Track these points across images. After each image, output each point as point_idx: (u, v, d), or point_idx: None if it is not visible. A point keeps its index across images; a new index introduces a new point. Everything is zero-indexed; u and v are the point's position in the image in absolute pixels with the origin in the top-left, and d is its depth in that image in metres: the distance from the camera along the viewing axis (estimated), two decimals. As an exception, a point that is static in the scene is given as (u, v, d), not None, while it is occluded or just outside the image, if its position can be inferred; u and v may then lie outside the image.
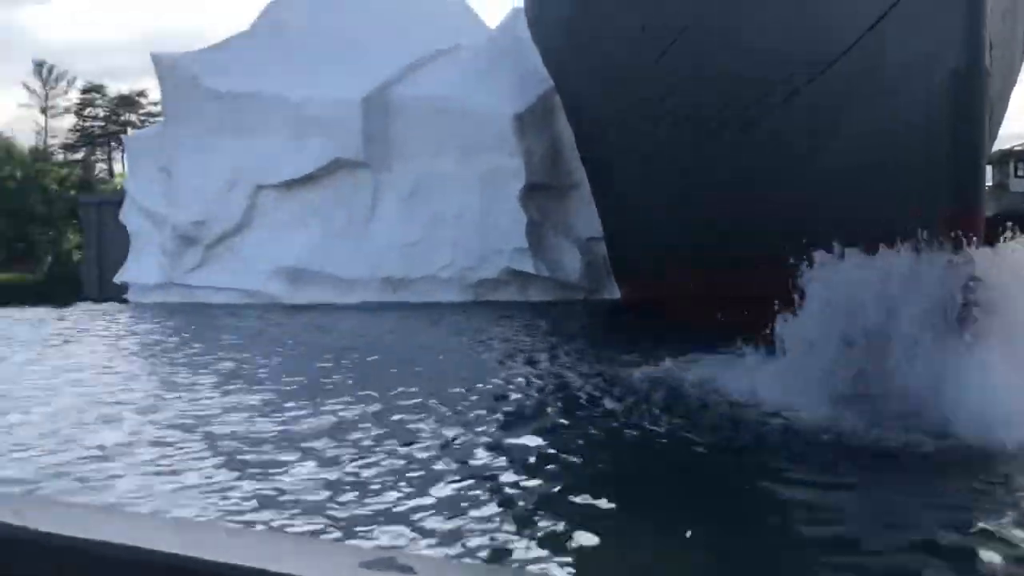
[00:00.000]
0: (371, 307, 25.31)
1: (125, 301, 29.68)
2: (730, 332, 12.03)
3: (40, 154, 69.96)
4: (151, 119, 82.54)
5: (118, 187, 73.31)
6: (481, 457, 5.56)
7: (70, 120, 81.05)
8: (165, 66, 28.83)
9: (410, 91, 27.21)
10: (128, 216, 30.63)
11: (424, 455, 5.68)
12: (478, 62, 27.64)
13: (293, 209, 27.52)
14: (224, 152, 27.99)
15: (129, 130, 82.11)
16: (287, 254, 27.14)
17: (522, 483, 5.08)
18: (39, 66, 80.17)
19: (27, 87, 79.66)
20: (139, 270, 29.59)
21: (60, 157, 77.70)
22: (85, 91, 79.22)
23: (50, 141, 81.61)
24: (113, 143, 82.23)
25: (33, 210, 60.12)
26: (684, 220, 16.74)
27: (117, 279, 30.29)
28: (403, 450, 5.53)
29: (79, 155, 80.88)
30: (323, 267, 26.92)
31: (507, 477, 5.16)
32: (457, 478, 5.12)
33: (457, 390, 8.35)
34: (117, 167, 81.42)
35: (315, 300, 26.68)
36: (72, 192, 65.04)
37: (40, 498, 3.77)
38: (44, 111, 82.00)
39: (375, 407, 7.56)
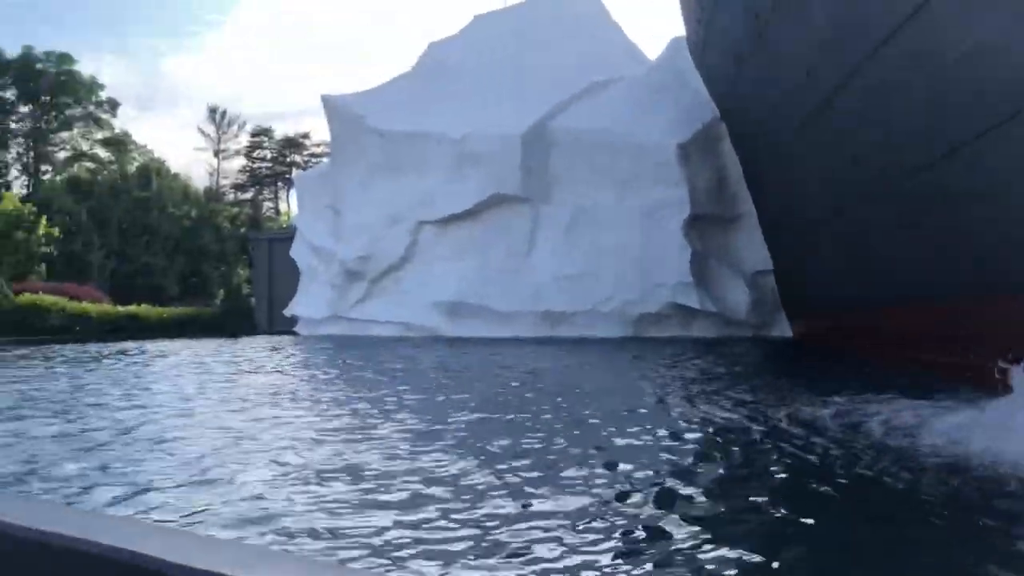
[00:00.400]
0: (532, 341, 24.94)
1: (294, 333, 30.55)
2: (936, 374, 10.93)
3: (213, 194, 73.99)
4: (314, 159, 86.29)
5: (284, 224, 76.67)
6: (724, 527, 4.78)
7: (240, 161, 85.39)
8: (333, 107, 29.74)
9: (569, 124, 26.95)
10: (298, 252, 31.65)
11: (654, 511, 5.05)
12: (638, 93, 27.12)
13: (453, 243, 27.67)
14: (387, 189, 28.55)
15: (294, 170, 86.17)
16: (446, 288, 27.26)
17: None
18: (213, 112, 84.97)
19: (202, 132, 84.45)
20: (308, 304, 30.46)
21: (231, 197, 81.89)
22: (254, 134, 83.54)
23: (222, 182, 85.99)
24: (279, 183, 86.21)
25: (206, 247, 63.41)
26: (865, 254, 15.57)
27: (287, 312, 31.27)
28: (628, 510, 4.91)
29: (248, 195, 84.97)
30: (482, 300, 26.85)
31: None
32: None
33: (667, 442, 7.66)
34: (283, 205, 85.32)
35: (473, 333, 26.63)
36: (242, 230, 68.49)
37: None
38: (217, 154, 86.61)
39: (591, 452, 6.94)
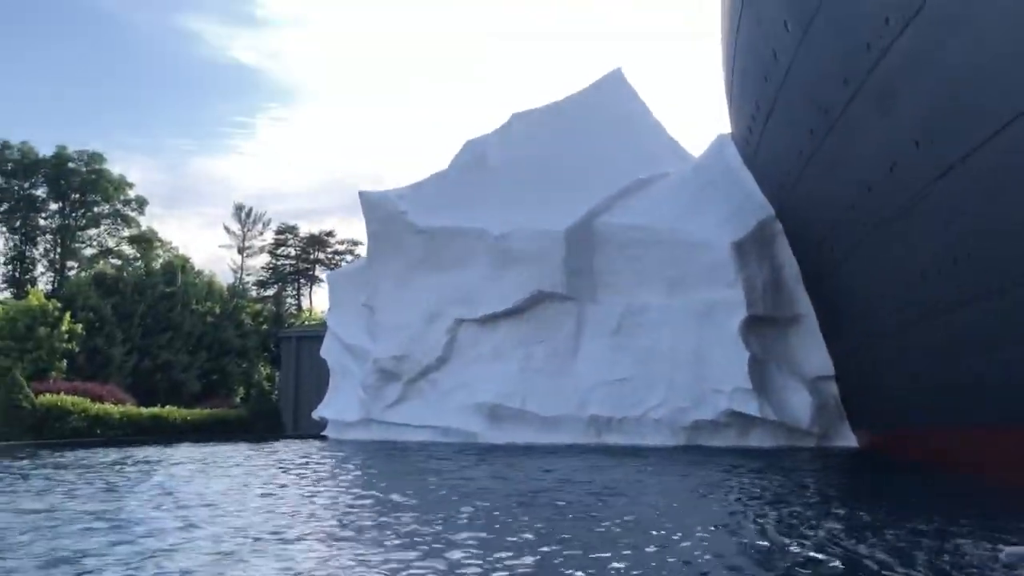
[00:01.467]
0: (578, 449, 23.24)
1: (323, 437, 28.93)
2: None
3: (236, 291, 73.22)
4: (338, 256, 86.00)
5: (306, 321, 75.56)
6: None
7: (263, 259, 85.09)
8: (370, 203, 28.86)
9: (615, 221, 25.95)
10: (328, 351, 30.33)
11: None
12: (685, 190, 26.15)
13: (493, 343, 26.39)
14: (426, 286, 27.41)
15: (318, 267, 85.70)
16: (486, 390, 25.81)
17: None
18: (239, 209, 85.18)
19: (227, 229, 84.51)
20: (338, 405, 28.95)
21: (253, 293, 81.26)
22: (279, 232, 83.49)
23: (245, 278, 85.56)
24: (302, 280, 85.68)
25: (229, 343, 62.23)
26: (966, 366, 14.05)
27: (315, 414, 29.76)
28: None
29: (270, 291, 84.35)
30: (524, 404, 25.36)
31: None
32: None
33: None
34: (305, 302, 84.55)
35: (514, 440, 25.01)
36: (264, 327, 67.42)
37: None
38: (241, 251, 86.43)
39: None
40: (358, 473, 16.43)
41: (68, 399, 25.51)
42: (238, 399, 57.71)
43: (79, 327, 50.21)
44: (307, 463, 18.50)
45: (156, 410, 27.41)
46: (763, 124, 23.48)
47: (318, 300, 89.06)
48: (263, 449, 22.81)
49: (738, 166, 26.24)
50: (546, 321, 26.07)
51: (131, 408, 26.57)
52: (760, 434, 23.48)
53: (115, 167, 68.48)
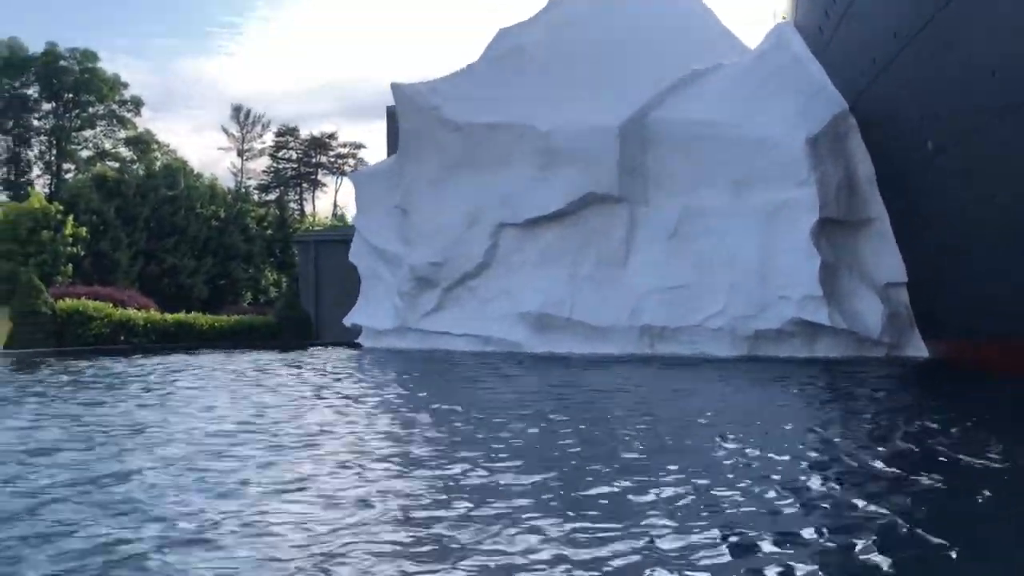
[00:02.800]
0: (633, 360, 21.78)
1: (356, 345, 27.38)
2: None
3: (240, 195, 70.94)
4: (340, 160, 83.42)
5: (309, 227, 73.52)
6: None
7: (263, 162, 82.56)
8: (403, 97, 26.71)
9: (671, 116, 23.96)
10: (358, 256, 28.52)
11: None
12: (746, 83, 24.08)
13: (539, 248, 24.69)
14: (464, 188, 25.53)
15: (320, 171, 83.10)
16: (531, 298, 24.19)
17: None
18: (237, 111, 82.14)
19: (226, 131, 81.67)
20: (371, 313, 27.33)
21: (255, 197, 78.98)
22: (279, 134, 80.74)
23: (245, 182, 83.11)
24: (304, 184, 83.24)
25: (235, 248, 60.52)
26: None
27: (347, 321, 28.19)
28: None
29: (272, 196, 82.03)
30: (571, 313, 23.81)
31: None
32: None
33: None
34: (308, 207, 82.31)
35: (561, 350, 23.50)
36: (268, 232, 65.56)
37: None
38: (240, 153, 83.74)
39: None
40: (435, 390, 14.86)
41: (90, 304, 23.83)
42: (246, 304, 56.30)
43: (83, 231, 48.32)
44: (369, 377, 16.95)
45: (181, 316, 25.76)
46: (843, 10, 21.32)
47: (321, 204, 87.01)
48: (302, 359, 21.26)
49: (806, 57, 24.18)
50: (596, 225, 24.34)
51: (155, 314, 24.93)
52: (826, 343, 22.07)
53: (105, 66, 65.20)
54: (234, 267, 59.93)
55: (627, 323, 23.59)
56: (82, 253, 47.38)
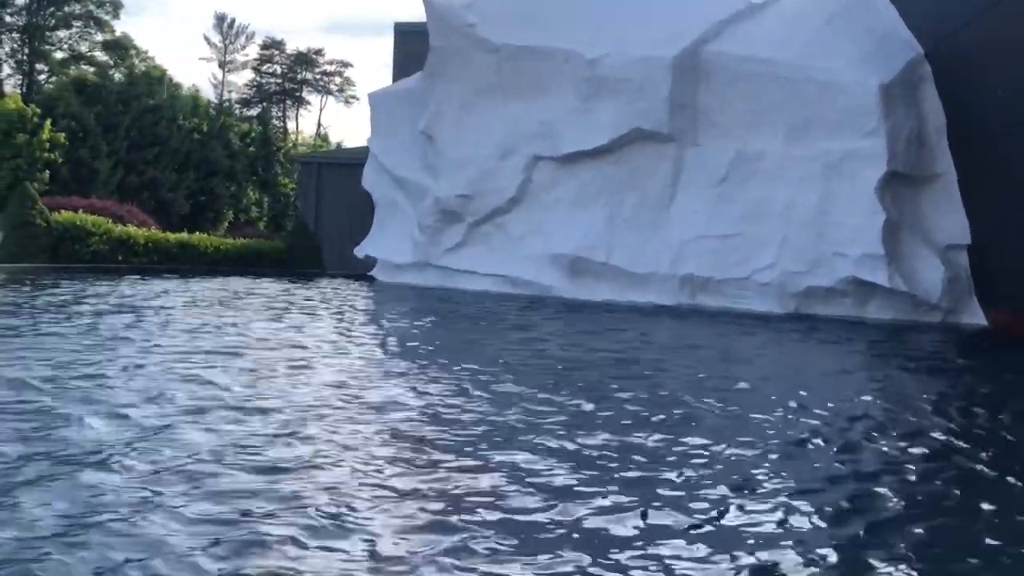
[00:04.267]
0: (673, 311, 20.40)
1: (369, 278, 25.59)
2: None
3: (224, 108, 67.82)
4: (327, 78, 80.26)
5: (294, 146, 70.67)
6: None
7: (246, 76, 79.12)
8: (435, 12, 24.51)
9: (729, 51, 22.32)
10: (373, 183, 26.64)
11: None
12: (810, 20, 22.44)
13: (577, 186, 23.07)
14: (498, 115, 23.74)
15: (305, 88, 79.88)
16: (566, 240, 22.63)
17: None
18: (220, 20, 78.24)
19: (208, 40, 77.93)
20: (387, 245, 25.58)
21: (236, 112, 75.80)
22: (264, 47, 77.07)
23: (226, 95, 79.68)
24: (288, 100, 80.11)
25: (217, 163, 57.96)
26: None
27: (360, 252, 26.39)
28: None
29: (254, 111, 78.85)
30: (608, 258, 22.35)
31: None
32: None
33: None
34: (291, 124, 79.32)
35: (595, 296, 22.03)
36: (251, 149, 63.04)
37: None
38: (222, 65, 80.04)
39: None
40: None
41: (88, 218, 21.79)
42: (228, 224, 53.99)
43: (62, 136, 45.55)
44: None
45: (184, 236, 23.78)
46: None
47: (305, 123, 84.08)
48: (320, 298, 19.50)
49: (877, -4, 22.36)
50: (640, 164, 22.72)
51: (156, 233, 22.93)
52: (879, 305, 20.89)
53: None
54: (216, 183, 57.53)
55: (668, 271, 22.16)
56: (60, 160, 44.78)
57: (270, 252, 25.42)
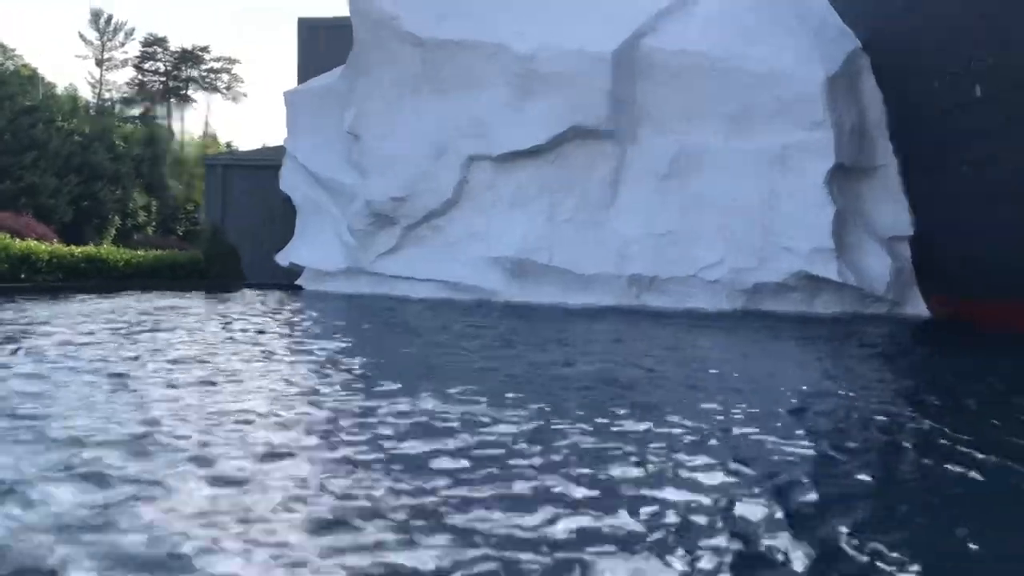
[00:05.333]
0: (620, 312, 19.79)
1: (295, 288, 24.03)
2: None
3: (105, 108, 64.04)
4: (213, 75, 77.04)
5: (181, 145, 67.36)
6: None
7: (127, 73, 75.16)
8: (358, 4, 22.92)
9: (665, 45, 21.62)
10: (292, 185, 25.14)
11: None
12: (744, 13, 22.59)
13: (516, 186, 22.28)
14: (428, 112, 22.63)
15: (191, 86, 76.34)
16: (507, 241, 21.75)
17: None
18: (96, 16, 73.99)
19: (83, 37, 73.60)
20: (313, 252, 24.14)
21: (118, 112, 71.92)
22: (146, 44, 73.22)
23: (105, 94, 75.54)
24: (173, 99, 76.42)
25: (100, 167, 54.56)
26: None
27: (282, 260, 24.73)
28: None
29: (136, 111, 74.97)
30: (551, 259, 21.58)
31: None
32: None
33: None
34: (176, 124, 75.76)
35: (541, 299, 21.22)
36: (135, 151, 59.75)
37: None
38: (100, 63, 75.77)
39: None
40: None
41: (-17, 235, 19.46)
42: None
43: (-73, 142, 41.89)
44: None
45: (92, 250, 21.64)
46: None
47: (190, 123, 79.95)
48: (277, 310, 17.91)
49: (808, -12, 22.26)
50: (579, 162, 22.03)
51: (61, 247, 20.76)
52: (827, 299, 20.86)
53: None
54: (100, 188, 54.16)
55: (613, 271, 21.55)
56: (-75, 167, 41.18)
57: (186, 263, 23.50)
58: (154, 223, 60.23)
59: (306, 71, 31.12)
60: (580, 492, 4.57)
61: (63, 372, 8.29)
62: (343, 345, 11.73)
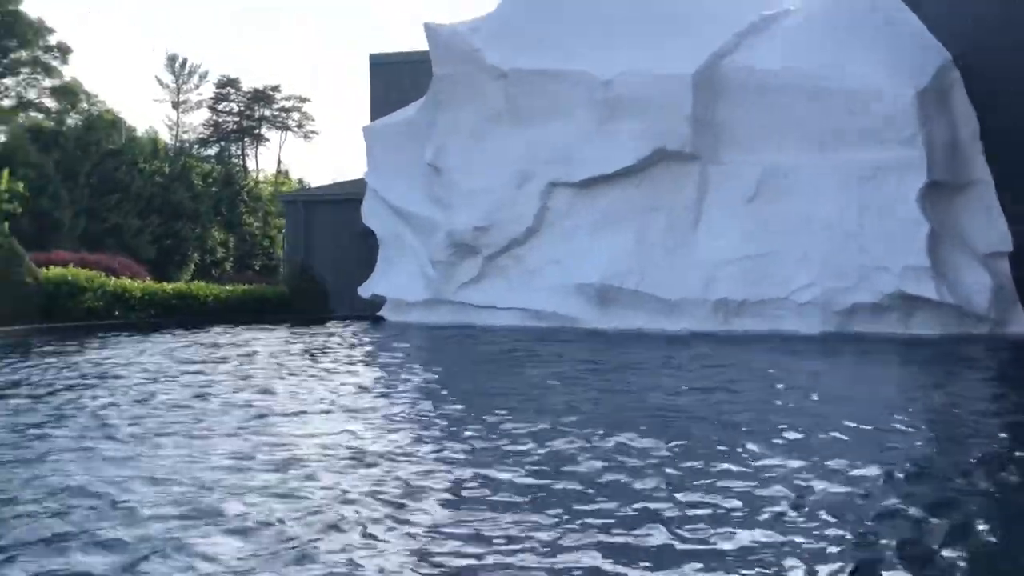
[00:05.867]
0: (711, 338, 19.44)
1: (378, 319, 24.17)
2: None
3: (184, 149, 66.02)
4: (285, 114, 78.89)
5: (254, 184, 68.90)
6: None
7: (202, 115, 77.59)
8: (438, 39, 23.53)
9: (748, 64, 21.42)
10: (374, 218, 25.34)
11: None
12: (827, 29, 22.14)
13: (598, 212, 22.10)
14: (510, 143, 22.73)
15: (264, 125, 78.29)
16: (591, 268, 21.56)
17: None
18: (172, 60, 76.60)
19: (160, 81, 76.26)
20: (395, 283, 24.27)
21: (195, 152, 74.21)
22: (220, 85, 75.47)
23: (182, 136, 77.98)
24: (246, 139, 78.53)
25: (181, 206, 56.23)
26: None
27: (365, 292, 24.95)
28: None
29: (212, 151, 77.24)
30: (638, 285, 21.26)
31: None
32: None
33: None
34: (251, 163, 77.73)
35: (626, 325, 20.92)
36: (213, 189, 61.53)
37: None
38: (176, 106, 78.30)
39: None
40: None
41: (81, 273, 20.13)
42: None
43: (21, 186, 43.44)
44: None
45: (183, 286, 22.19)
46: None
47: (264, 160, 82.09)
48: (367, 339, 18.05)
49: (892, 2, 21.76)
50: (663, 186, 21.77)
51: (152, 284, 21.32)
52: (925, 319, 20.12)
53: (28, 10, 59.39)
54: (181, 226, 55.79)
55: (700, 296, 21.13)
56: (19, 211, 42.74)
57: (273, 297, 23.89)
58: (231, 259, 61.75)
59: (378, 106, 31.68)
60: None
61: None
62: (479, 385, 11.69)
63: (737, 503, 5.10)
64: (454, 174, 23.27)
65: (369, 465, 6.16)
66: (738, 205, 21.40)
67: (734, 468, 6.05)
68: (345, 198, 29.53)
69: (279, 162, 79.61)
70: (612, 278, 21.62)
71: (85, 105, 63.10)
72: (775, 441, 7.04)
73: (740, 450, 6.66)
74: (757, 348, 17.80)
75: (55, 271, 19.34)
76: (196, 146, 76.32)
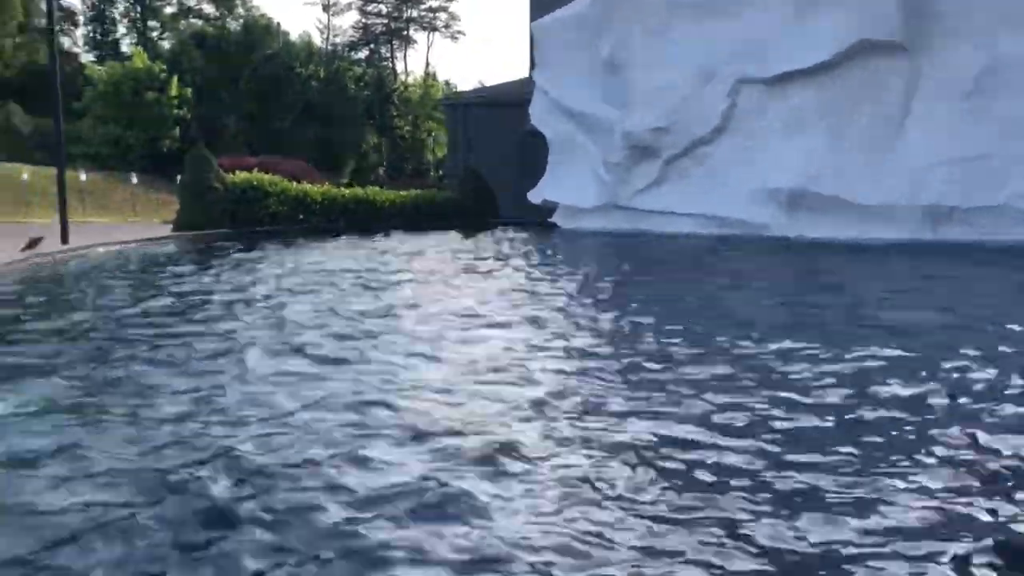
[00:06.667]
0: (917, 248, 17.75)
1: (550, 225, 23.49)
2: None
3: (338, 53, 66.40)
4: (432, 14, 77.75)
5: (403, 86, 68.76)
6: None
7: (351, 17, 77.41)
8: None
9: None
10: (543, 120, 24.37)
11: None
12: None
13: (792, 110, 20.42)
14: (693, 37, 21.13)
15: (411, 27, 77.59)
16: (783, 171, 20.08)
17: None
18: (324, -40, 76.09)
19: (310, -19, 76.06)
20: (567, 188, 23.46)
21: (346, 56, 74.38)
22: (369, -15, 74.43)
23: (332, 39, 78.08)
24: (395, 41, 77.97)
25: (336, 111, 56.72)
26: None
27: (535, 197, 24.18)
28: None
29: (361, 54, 77.08)
30: (835, 190, 19.72)
31: None
32: None
33: None
34: (399, 65, 77.48)
35: (822, 234, 19.39)
36: (365, 92, 61.71)
37: None
38: (327, 8, 78.14)
39: None
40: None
41: (265, 178, 20.24)
42: (348, 170, 52.86)
43: (188, 91, 44.74)
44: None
45: (360, 191, 22.18)
46: None
47: (413, 63, 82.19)
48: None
49: None
50: (866, 81, 19.84)
51: (332, 189, 21.38)
52: None
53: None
54: (336, 131, 56.44)
55: (905, 202, 19.33)
56: (188, 116, 44.07)
57: (444, 202, 23.61)
58: (384, 163, 62.39)
59: (541, 5, 30.26)
60: None
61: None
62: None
63: None
64: (632, 71, 21.93)
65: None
66: (953, 102, 19.23)
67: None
68: (505, 100, 28.63)
69: (427, 64, 79.31)
70: (805, 182, 20.06)
71: (241, 10, 64.16)
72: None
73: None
74: (960, 262, 16.15)
75: (241, 176, 19.52)
76: (347, 49, 76.65)
